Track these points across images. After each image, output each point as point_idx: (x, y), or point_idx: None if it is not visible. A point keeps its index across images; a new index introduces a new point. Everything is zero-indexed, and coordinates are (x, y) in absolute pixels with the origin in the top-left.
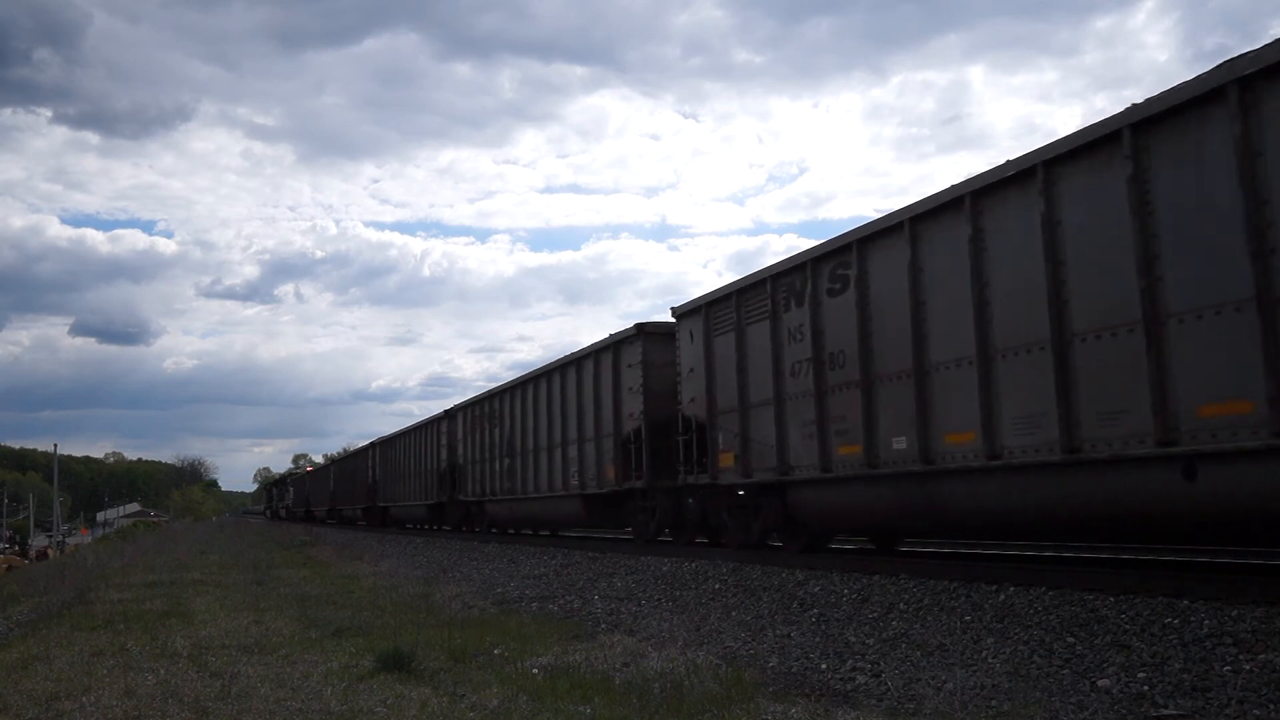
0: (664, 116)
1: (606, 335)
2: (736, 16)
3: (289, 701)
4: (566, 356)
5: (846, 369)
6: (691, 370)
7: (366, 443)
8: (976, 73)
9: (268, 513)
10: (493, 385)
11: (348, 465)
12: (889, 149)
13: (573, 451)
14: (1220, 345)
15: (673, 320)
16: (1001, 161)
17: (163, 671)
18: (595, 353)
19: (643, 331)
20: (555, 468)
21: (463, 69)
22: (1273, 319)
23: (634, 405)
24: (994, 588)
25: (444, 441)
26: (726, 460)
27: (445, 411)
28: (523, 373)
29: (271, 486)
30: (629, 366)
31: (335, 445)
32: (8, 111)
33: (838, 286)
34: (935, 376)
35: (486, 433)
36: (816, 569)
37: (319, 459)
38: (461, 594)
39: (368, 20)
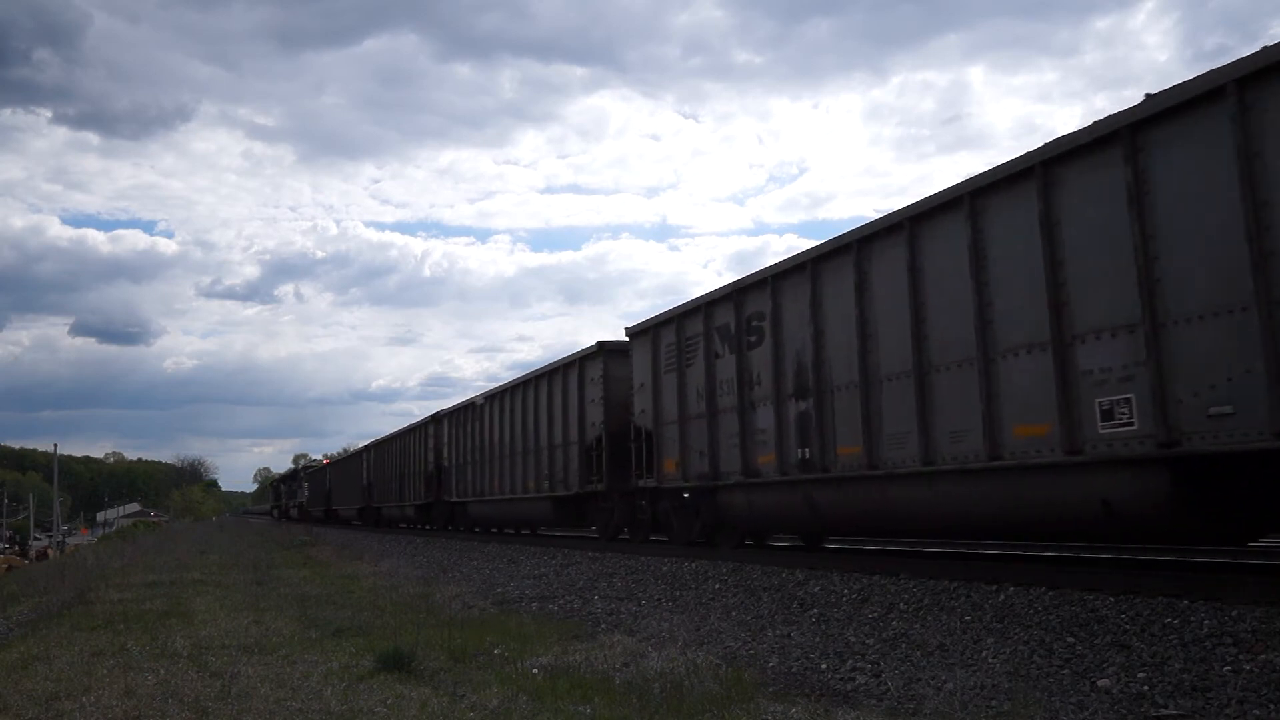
0: (664, 117)
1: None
2: (736, 16)
3: (289, 701)
4: (935, 197)
5: None
6: None
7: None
8: (976, 73)
9: (274, 513)
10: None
11: (390, 451)
12: (889, 149)
13: (1096, 357)
14: None
15: None
16: None
17: (163, 671)
18: (1059, 158)
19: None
20: (1012, 396)
21: (463, 69)
22: None
23: None
24: (994, 588)
25: (596, 396)
26: None
27: (600, 344)
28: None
29: (279, 483)
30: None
31: (335, 445)
32: (8, 111)
33: None
34: None
35: (727, 365)
36: (816, 569)
37: (318, 459)
38: (461, 594)
39: (367, 20)
